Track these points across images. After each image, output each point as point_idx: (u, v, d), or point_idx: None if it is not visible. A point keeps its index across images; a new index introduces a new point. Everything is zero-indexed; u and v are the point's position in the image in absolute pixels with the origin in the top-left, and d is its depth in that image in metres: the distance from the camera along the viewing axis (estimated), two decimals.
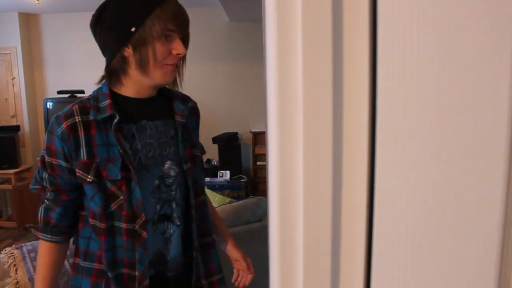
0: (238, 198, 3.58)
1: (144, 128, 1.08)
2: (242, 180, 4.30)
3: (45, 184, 1.07)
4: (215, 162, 4.57)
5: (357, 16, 0.37)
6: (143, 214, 1.05)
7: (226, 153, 4.48)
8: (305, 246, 0.40)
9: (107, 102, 1.04)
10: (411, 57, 0.35)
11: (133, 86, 1.07)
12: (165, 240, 1.13)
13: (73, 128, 1.01)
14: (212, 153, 4.64)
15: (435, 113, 0.36)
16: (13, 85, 4.97)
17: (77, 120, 1.02)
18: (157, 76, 1.04)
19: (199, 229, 1.19)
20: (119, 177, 1.02)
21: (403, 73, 0.36)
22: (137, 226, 1.05)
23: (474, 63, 0.34)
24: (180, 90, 1.16)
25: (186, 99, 1.20)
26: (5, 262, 1.83)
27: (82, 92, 4.38)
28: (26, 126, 5.00)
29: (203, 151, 1.24)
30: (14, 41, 4.80)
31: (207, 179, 4.24)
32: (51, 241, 1.09)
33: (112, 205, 1.04)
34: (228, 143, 4.49)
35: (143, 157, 1.07)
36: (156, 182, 1.09)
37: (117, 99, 1.07)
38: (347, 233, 0.40)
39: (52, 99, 4.47)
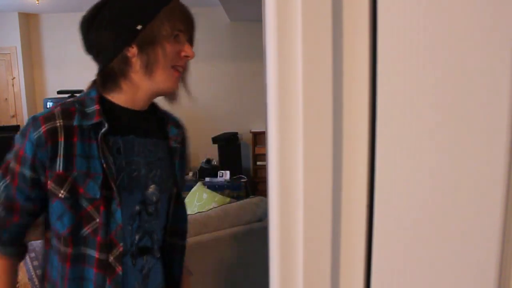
0: (238, 198, 3.58)
1: (132, 143, 0.95)
2: (242, 180, 4.30)
3: None
4: (215, 162, 4.57)
5: (357, 16, 0.37)
6: (121, 244, 0.90)
7: (226, 153, 4.48)
8: (305, 246, 0.40)
9: (95, 107, 0.91)
10: (411, 57, 0.35)
11: (130, 92, 0.95)
12: (143, 276, 0.97)
13: (52, 133, 0.86)
14: (212, 153, 4.64)
15: (435, 113, 0.36)
16: (13, 85, 4.97)
17: (58, 124, 0.87)
18: (162, 80, 0.94)
19: (181, 261, 1.09)
20: (98, 195, 0.87)
21: (403, 72, 0.36)
22: (112, 258, 0.90)
23: (475, 63, 0.34)
24: (188, 99, 1.07)
25: (179, 125, 1.10)
26: None
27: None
28: None
29: (182, 188, 1.12)
30: (14, 41, 4.80)
31: (207, 179, 4.24)
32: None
33: (85, 228, 0.89)
34: (228, 143, 4.48)
35: (126, 177, 0.92)
36: (137, 207, 0.95)
37: (106, 106, 0.94)
38: (347, 233, 0.40)
39: (52, 99, 4.47)
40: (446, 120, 0.35)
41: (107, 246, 0.89)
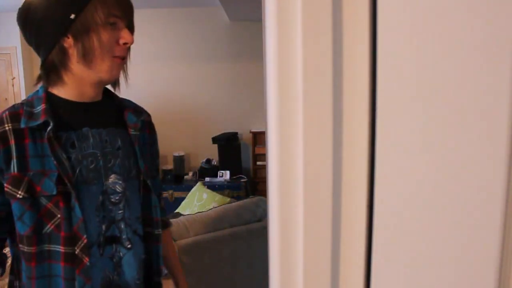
0: (238, 198, 3.58)
1: (86, 136, 0.95)
2: (242, 180, 4.30)
3: None
4: (215, 162, 4.56)
5: (357, 16, 0.37)
6: (84, 236, 0.91)
7: (226, 153, 4.48)
8: (305, 246, 0.40)
9: (41, 107, 0.91)
10: (411, 57, 0.35)
11: (75, 84, 0.94)
12: (114, 265, 0.98)
13: (2, 137, 0.88)
14: (212, 153, 4.64)
15: (435, 113, 0.36)
16: (13, 85, 4.97)
17: (7, 128, 0.89)
18: (103, 69, 0.92)
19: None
20: (54, 192, 0.88)
21: (403, 72, 0.36)
22: (77, 250, 0.91)
23: (475, 62, 0.34)
24: (126, 87, 1.04)
25: (139, 111, 1.08)
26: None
27: None
28: None
29: (157, 174, 1.12)
30: (14, 41, 4.80)
31: (207, 179, 4.24)
32: None
33: (48, 225, 0.90)
34: (228, 143, 4.48)
35: (84, 169, 0.93)
36: (100, 198, 0.95)
37: (55, 103, 0.94)
38: (347, 233, 0.40)
39: None
40: (447, 120, 0.35)
41: (72, 240, 0.91)
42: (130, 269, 1.01)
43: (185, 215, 2.36)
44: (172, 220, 2.15)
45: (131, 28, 0.96)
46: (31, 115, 0.91)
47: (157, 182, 1.13)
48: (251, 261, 2.16)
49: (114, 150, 0.99)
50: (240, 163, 4.54)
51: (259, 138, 4.63)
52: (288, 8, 0.37)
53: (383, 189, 0.38)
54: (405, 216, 0.38)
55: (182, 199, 3.42)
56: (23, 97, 4.95)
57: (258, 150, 4.61)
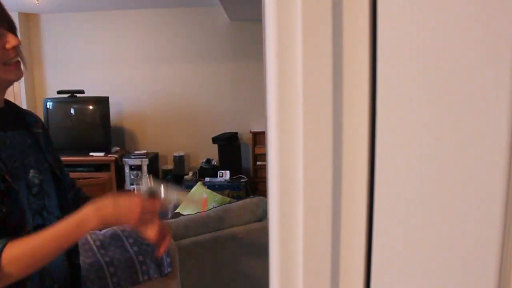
0: (238, 198, 3.57)
1: (3, 139, 1.01)
2: (242, 180, 4.30)
3: None
4: (215, 162, 4.56)
5: (357, 16, 0.37)
6: (27, 225, 0.97)
7: (226, 153, 4.48)
8: (305, 246, 0.40)
9: None
10: (412, 56, 0.35)
11: None
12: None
13: None
14: (212, 153, 4.64)
15: (435, 113, 0.36)
16: (13, 85, 4.96)
17: None
18: (3, 78, 0.97)
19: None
20: (1, 187, 0.93)
21: (403, 72, 0.36)
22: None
23: (475, 61, 0.34)
24: (24, 71, 1.07)
25: (33, 114, 1.19)
26: None
27: (82, 92, 4.38)
28: None
29: (63, 166, 1.21)
30: None
31: (207, 179, 4.24)
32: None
33: None
34: (228, 143, 4.48)
35: (12, 167, 0.99)
36: (26, 192, 1.02)
37: None
38: (347, 233, 0.40)
39: (52, 99, 4.47)
40: (447, 120, 0.35)
41: (17, 230, 0.96)
42: (56, 263, 1.07)
43: (185, 215, 2.36)
44: (172, 220, 2.15)
45: (13, 28, 0.98)
46: None
47: (65, 173, 1.21)
48: (251, 261, 2.16)
49: (26, 148, 1.07)
50: (240, 163, 4.55)
51: (259, 138, 4.63)
52: (288, 8, 0.37)
53: (383, 189, 0.38)
54: (405, 216, 0.38)
55: None
56: (23, 97, 4.95)
57: (258, 150, 4.61)
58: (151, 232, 1.03)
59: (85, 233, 0.99)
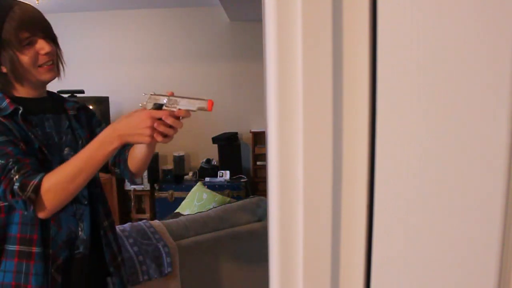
0: (238, 198, 3.57)
1: (42, 120, 1.16)
2: (242, 180, 4.29)
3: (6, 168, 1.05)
4: (215, 162, 4.56)
5: (357, 16, 0.37)
6: None
7: (226, 153, 4.48)
8: (305, 246, 0.40)
9: (6, 101, 1.09)
10: (412, 56, 0.35)
11: (23, 88, 1.14)
12: (76, 221, 1.17)
13: None
14: (212, 153, 4.64)
15: (435, 113, 0.36)
16: None
17: None
18: (36, 79, 1.11)
19: (104, 208, 1.26)
20: (39, 157, 1.08)
21: (403, 72, 0.36)
22: None
23: (475, 61, 0.34)
24: (64, 74, 1.23)
25: (72, 100, 1.33)
26: None
27: (82, 92, 4.37)
28: None
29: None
30: None
31: (207, 179, 4.24)
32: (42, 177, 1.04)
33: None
34: (228, 143, 4.48)
35: (47, 144, 1.14)
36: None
37: (12, 100, 1.12)
38: (347, 233, 0.40)
39: None
40: (447, 120, 0.35)
41: None
42: (88, 224, 1.18)
43: (185, 215, 2.36)
44: (172, 220, 2.15)
45: (48, 35, 1.14)
46: (0, 110, 1.08)
47: None
48: (251, 261, 2.16)
49: (64, 129, 1.21)
50: (240, 163, 4.54)
51: (259, 138, 4.63)
52: (288, 8, 0.37)
53: (383, 189, 0.38)
54: (405, 216, 0.38)
55: (182, 199, 3.41)
56: None
57: (258, 150, 4.61)
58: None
59: (108, 153, 1.07)
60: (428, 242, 0.37)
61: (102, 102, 4.42)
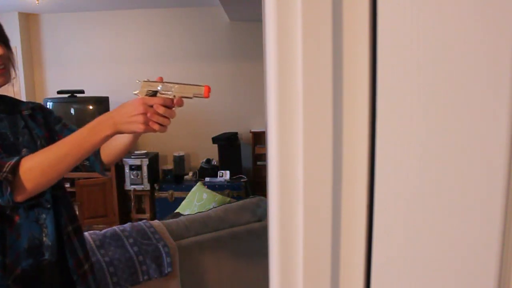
0: (238, 198, 3.57)
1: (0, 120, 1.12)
2: (242, 180, 4.29)
3: None
4: (215, 162, 4.56)
5: (357, 16, 0.37)
6: None
7: (226, 153, 4.48)
8: (305, 246, 0.40)
9: None
10: (412, 56, 0.35)
11: None
12: (40, 226, 1.11)
13: None
14: (212, 153, 4.63)
15: (435, 113, 0.36)
16: (13, 85, 4.97)
17: None
18: None
19: (68, 212, 1.20)
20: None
21: (403, 72, 0.36)
22: (8, 210, 1.04)
23: (475, 62, 0.34)
24: (14, 78, 1.19)
25: (27, 102, 1.27)
26: None
27: (82, 92, 4.37)
28: None
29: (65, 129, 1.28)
30: (14, 41, 4.78)
31: (207, 179, 4.24)
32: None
33: None
34: (228, 143, 4.48)
35: (2, 144, 1.09)
36: None
37: None
38: (347, 233, 0.40)
39: (52, 99, 4.46)
40: (447, 120, 0.35)
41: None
42: (52, 229, 1.12)
43: (185, 215, 2.36)
44: (172, 220, 2.15)
45: (0, 40, 1.10)
46: None
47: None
48: (251, 261, 2.16)
49: (20, 129, 1.16)
50: (240, 163, 4.54)
51: (259, 138, 4.63)
52: (288, 8, 0.37)
53: (383, 189, 0.38)
54: (405, 216, 0.38)
55: (182, 199, 3.41)
56: (23, 97, 4.94)
57: (258, 150, 4.61)
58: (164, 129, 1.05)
59: (98, 141, 1.01)
60: (428, 242, 0.37)
61: (102, 102, 4.42)
